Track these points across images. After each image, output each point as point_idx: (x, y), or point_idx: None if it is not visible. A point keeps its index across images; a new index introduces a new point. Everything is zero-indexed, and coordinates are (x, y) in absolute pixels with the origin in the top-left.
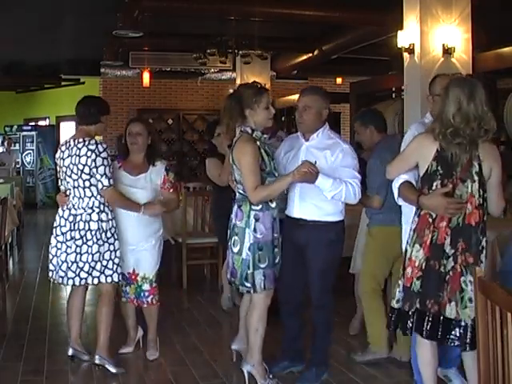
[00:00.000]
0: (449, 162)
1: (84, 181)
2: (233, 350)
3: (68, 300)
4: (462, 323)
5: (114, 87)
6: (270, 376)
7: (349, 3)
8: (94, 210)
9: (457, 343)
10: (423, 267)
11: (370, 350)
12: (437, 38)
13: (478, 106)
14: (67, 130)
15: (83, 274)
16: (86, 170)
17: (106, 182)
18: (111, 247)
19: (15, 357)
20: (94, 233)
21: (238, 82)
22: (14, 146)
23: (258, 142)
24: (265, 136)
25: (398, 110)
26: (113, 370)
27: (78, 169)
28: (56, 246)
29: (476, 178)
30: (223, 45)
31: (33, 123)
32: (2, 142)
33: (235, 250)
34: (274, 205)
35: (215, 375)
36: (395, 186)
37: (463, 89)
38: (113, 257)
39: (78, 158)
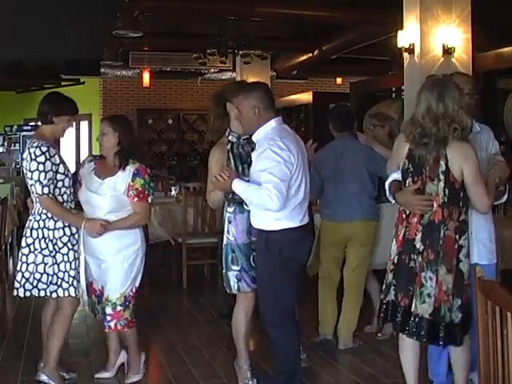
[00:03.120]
0: (417, 161)
1: (30, 186)
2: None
3: (42, 317)
4: (417, 318)
5: (113, 87)
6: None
7: (349, 3)
8: (41, 217)
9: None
10: (395, 261)
11: (319, 332)
12: (437, 38)
13: (448, 106)
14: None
15: (41, 286)
16: (28, 174)
17: (38, 190)
18: (65, 258)
19: (15, 357)
20: (39, 241)
21: None
22: (14, 146)
23: (229, 146)
24: (243, 138)
25: (399, 109)
26: None
27: (25, 172)
28: (20, 260)
29: (442, 177)
30: (223, 45)
31: (33, 123)
32: (2, 142)
33: None
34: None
35: (215, 375)
36: (386, 184)
37: (432, 90)
38: (68, 268)
39: (25, 161)
